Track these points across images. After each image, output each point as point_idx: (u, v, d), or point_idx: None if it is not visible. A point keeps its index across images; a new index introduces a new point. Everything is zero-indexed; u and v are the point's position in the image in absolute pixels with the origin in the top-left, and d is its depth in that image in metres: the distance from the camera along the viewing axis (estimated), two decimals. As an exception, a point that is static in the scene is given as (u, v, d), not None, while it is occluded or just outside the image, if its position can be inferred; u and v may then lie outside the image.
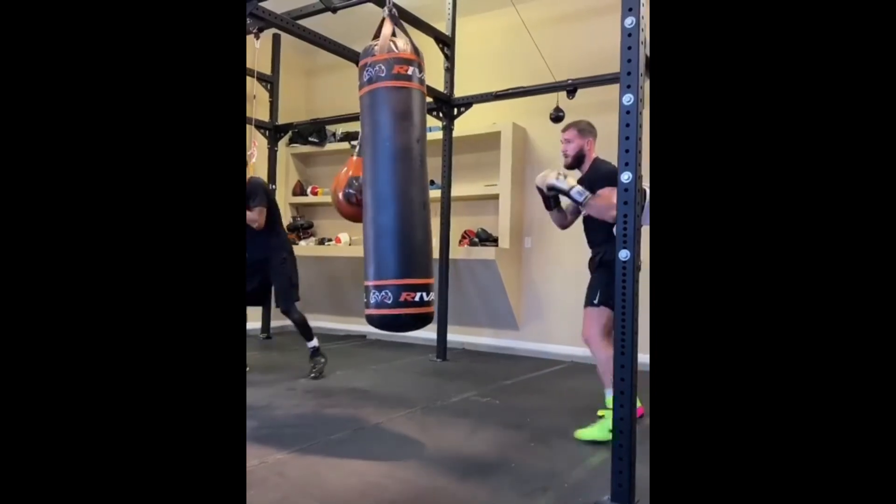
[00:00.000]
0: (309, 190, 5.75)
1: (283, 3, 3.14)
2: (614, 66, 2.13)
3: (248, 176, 3.65)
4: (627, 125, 1.77)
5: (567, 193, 2.48)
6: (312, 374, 3.58)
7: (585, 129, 2.72)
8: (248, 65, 3.63)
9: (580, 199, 2.44)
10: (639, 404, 2.58)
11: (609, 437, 2.20)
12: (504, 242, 4.55)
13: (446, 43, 4.29)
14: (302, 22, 3.44)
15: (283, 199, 5.71)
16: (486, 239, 4.68)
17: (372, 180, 2.27)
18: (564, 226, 2.88)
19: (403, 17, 3.71)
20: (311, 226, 5.82)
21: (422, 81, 2.34)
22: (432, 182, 4.99)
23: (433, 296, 2.29)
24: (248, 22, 3.08)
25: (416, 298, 2.18)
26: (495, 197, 4.62)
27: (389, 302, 2.17)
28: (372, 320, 2.25)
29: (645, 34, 1.78)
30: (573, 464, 2.15)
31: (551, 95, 4.06)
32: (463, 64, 4.49)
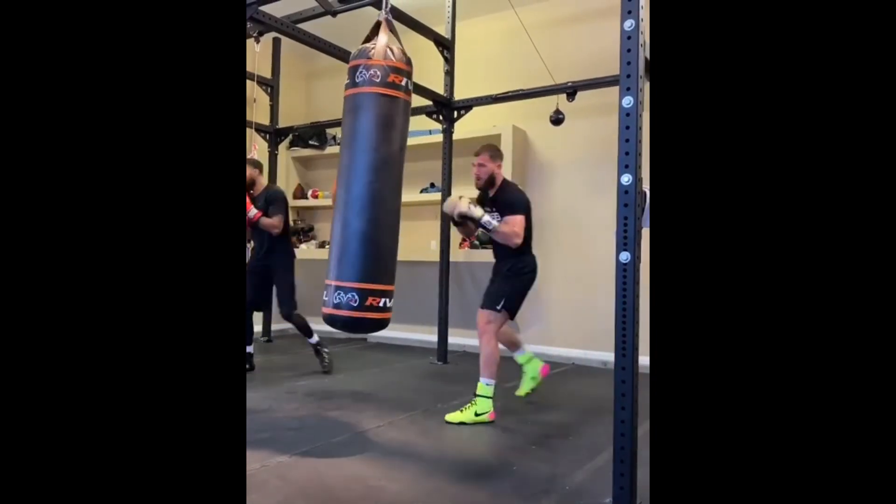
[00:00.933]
0: (309, 193, 5.75)
1: (283, 7, 3.14)
2: (614, 69, 2.13)
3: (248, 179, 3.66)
4: (627, 127, 1.77)
5: (477, 222, 2.76)
6: (324, 368, 3.84)
7: (496, 154, 2.98)
8: (249, 68, 3.64)
9: (489, 227, 2.74)
10: (541, 364, 3.05)
11: (476, 420, 2.64)
12: (504, 245, 4.55)
13: (446, 46, 4.30)
14: (302, 26, 3.44)
15: (284, 202, 5.71)
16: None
17: (351, 182, 2.28)
18: (470, 235, 3.23)
19: (403, 20, 3.72)
20: (311, 229, 5.83)
21: (409, 92, 2.36)
22: (432, 185, 5.01)
23: (392, 303, 2.35)
24: (249, 26, 3.08)
25: (381, 304, 2.24)
26: (496, 199, 4.61)
27: (355, 304, 2.20)
28: (333, 320, 2.26)
29: (644, 37, 1.79)
30: (574, 466, 2.15)
31: (551, 98, 4.06)
32: (463, 67, 4.50)
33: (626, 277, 1.78)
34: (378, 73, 2.23)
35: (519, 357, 3.16)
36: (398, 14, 3.65)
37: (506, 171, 4.56)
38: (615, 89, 1.86)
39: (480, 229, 2.93)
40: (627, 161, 1.77)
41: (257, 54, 3.56)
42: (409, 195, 5.06)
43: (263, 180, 3.89)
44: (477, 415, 2.62)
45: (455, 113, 4.36)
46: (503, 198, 2.89)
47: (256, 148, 3.74)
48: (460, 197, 2.85)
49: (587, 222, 4.45)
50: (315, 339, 3.85)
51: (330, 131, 5.52)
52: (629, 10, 1.77)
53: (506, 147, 4.58)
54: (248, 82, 3.87)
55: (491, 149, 2.96)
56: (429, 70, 4.37)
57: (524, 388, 3.15)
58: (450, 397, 3.19)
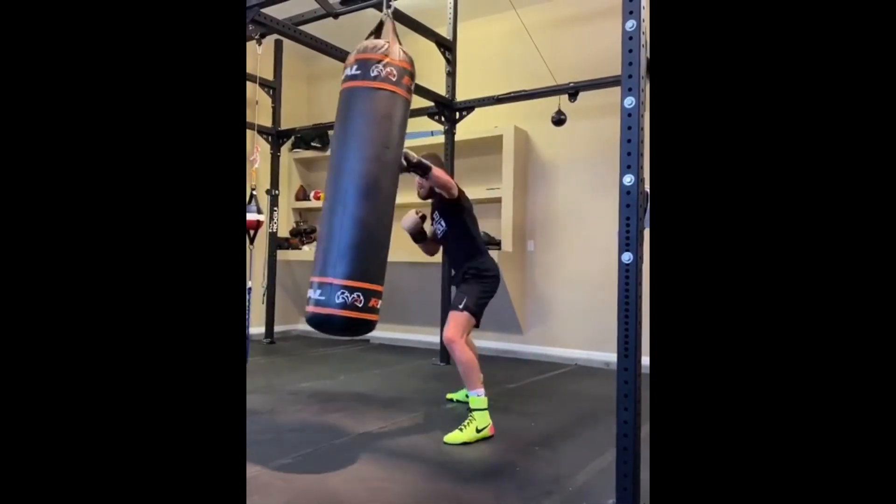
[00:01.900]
0: (311, 195, 5.76)
1: (284, 9, 3.15)
2: (615, 69, 2.13)
3: (251, 182, 3.66)
4: (629, 128, 1.77)
5: (420, 164, 2.57)
6: None
7: (437, 161, 2.91)
8: (251, 71, 3.64)
9: (427, 167, 2.58)
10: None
11: (478, 436, 2.47)
12: (507, 246, 4.55)
13: (448, 47, 4.30)
14: (304, 28, 3.45)
15: (286, 203, 5.72)
16: (489, 242, 4.68)
17: (358, 173, 2.16)
18: (432, 253, 3.17)
19: (404, 22, 3.73)
20: (313, 230, 5.83)
21: (411, 91, 2.33)
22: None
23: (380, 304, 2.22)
24: (251, 28, 3.09)
25: (379, 305, 2.16)
26: (497, 200, 4.62)
27: (360, 305, 2.07)
28: (333, 321, 2.08)
29: (646, 37, 1.79)
30: (577, 467, 2.14)
31: (553, 98, 4.06)
32: (464, 68, 4.50)
33: (628, 278, 1.77)
34: (395, 71, 2.20)
35: None
36: (400, 15, 3.66)
37: (507, 172, 4.59)
38: (617, 90, 1.86)
39: (436, 225, 2.93)
40: (629, 161, 1.77)
41: (259, 56, 3.56)
42: (410, 197, 5.06)
43: None
44: (478, 430, 2.49)
45: (457, 114, 4.36)
46: (441, 199, 2.88)
47: (259, 150, 3.74)
48: (416, 212, 2.94)
49: (589, 223, 4.44)
50: None
51: (332, 133, 5.52)
52: (631, 10, 1.77)
53: (508, 148, 4.59)
54: (250, 84, 3.87)
55: (432, 157, 2.88)
56: (430, 71, 4.37)
57: (458, 395, 3.11)
58: (452, 399, 3.19)
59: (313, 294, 2.12)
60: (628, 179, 1.77)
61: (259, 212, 3.63)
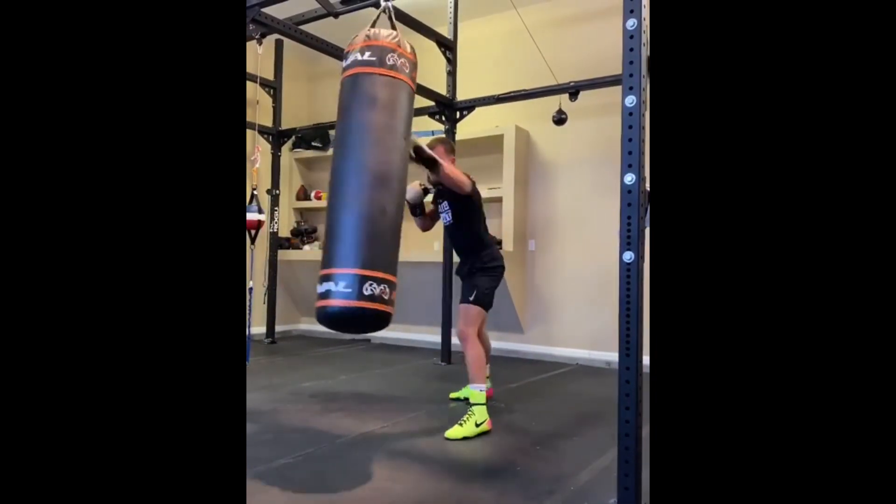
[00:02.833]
0: (312, 194, 5.76)
1: (285, 9, 3.15)
2: (616, 68, 2.13)
3: (251, 182, 3.66)
4: (630, 127, 1.77)
5: (430, 157, 2.55)
6: None
7: (449, 148, 2.92)
8: (251, 70, 3.65)
9: (438, 162, 2.57)
10: (489, 384, 2.95)
11: (477, 430, 2.50)
12: (508, 245, 4.55)
13: (448, 46, 4.30)
14: (304, 27, 3.44)
15: (287, 203, 5.72)
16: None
17: (370, 159, 2.03)
18: (426, 229, 3.12)
19: (405, 21, 3.73)
20: (314, 230, 5.83)
21: (414, 80, 2.25)
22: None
23: (394, 295, 2.05)
24: (251, 28, 3.09)
25: (377, 293, 1.93)
26: (498, 200, 4.62)
27: (386, 298, 1.93)
28: (365, 314, 1.90)
29: (647, 36, 1.78)
30: (579, 467, 2.14)
31: (554, 98, 4.06)
32: (465, 67, 4.50)
33: (629, 277, 1.77)
34: (399, 58, 2.12)
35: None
36: (400, 15, 3.65)
37: (508, 171, 4.60)
38: (618, 89, 1.86)
39: (442, 213, 2.93)
40: (630, 160, 1.77)
41: (260, 56, 3.56)
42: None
43: None
44: (477, 425, 2.52)
45: (458, 113, 4.36)
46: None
47: (259, 150, 3.74)
48: (420, 184, 2.83)
49: (590, 222, 4.44)
50: None
51: (332, 132, 5.52)
52: (631, 9, 1.76)
53: (508, 147, 4.59)
54: (251, 84, 3.87)
55: (445, 143, 2.90)
56: (431, 71, 4.37)
57: (461, 393, 3.13)
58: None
59: (334, 287, 1.90)
60: (629, 178, 1.77)
61: (260, 212, 3.64)
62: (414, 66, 2.21)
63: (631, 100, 1.76)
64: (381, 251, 1.97)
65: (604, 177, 4.30)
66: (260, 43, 3.31)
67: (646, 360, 1.77)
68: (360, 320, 1.94)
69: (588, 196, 4.47)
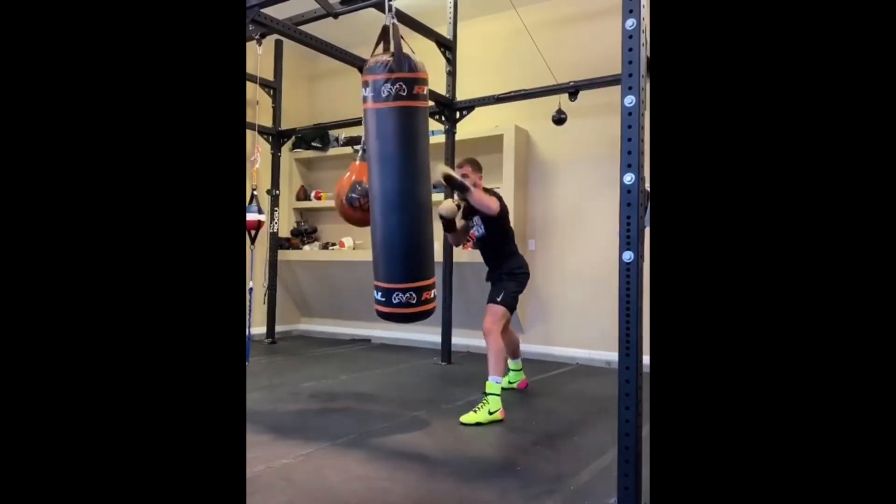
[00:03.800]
0: (312, 195, 5.76)
1: (284, 9, 3.15)
2: (616, 68, 2.12)
3: (251, 182, 3.66)
4: (629, 126, 1.77)
5: (459, 182, 2.87)
6: None
7: (477, 167, 3.18)
8: (251, 71, 3.64)
9: (468, 188, 2.89)
10: (523, 377, 3.36)
11: (490, 419, 2.70)
12: (508, 245, 4.54)
13: (448, 47, 4.30)
14: (304, 28, 3.45)
15: (287, 204, 5.72)
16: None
17: (406, 190, 2.39)
18: (458, 243, 3.52)
19: (404, 21, 3.72)
20: (314, 230, 5.83)
21: (425, 97, 2.47)
22: (435, 186, 5.01)
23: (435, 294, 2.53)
24: (251, 28, 3.09)
25: (432, 296, 2.49)
26: (498, 200, 4.61)
27: (414, 302, 2.40)
28: (422, 315, 2.46)
29: (646, 35, 1.78)
30: (579, 466, 2.14)
31: (553, 98, 4.06)
32: (465, 67, 4.50)
33: (629, 277, 1.77)
34: (404, 86, 2.32)
35: (511, 364, 3.40)
36: (400, 15, 3.65)
37: (508, 171, 4.60)
38: (617, 88, 1.86)
39: (475, 227, 3.20)
40: (630, 160, 1.77)
41: (259, 57, 3.56)
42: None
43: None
44: (490, 413, 2.70)
45: (457, 113, 4.36)
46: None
47: (259, 150, 3.74)
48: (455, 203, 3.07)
49: (590, 222, 4.44)
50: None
51: (332, 132, 5.53)
52: (630, 9, 1.76)
53: (508, 147, 4.59)
54: (251, 85, 3.87)
55: (473, 162, 3.18)
56: (431, 71, 4.34)
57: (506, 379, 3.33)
58: (454, 398, 3.19)
59: (407, 298, 2.43)
60: (629, 178, 1.77)
61: (260, 212, 3.64)
62: (414, 82, 2.39)
63: (630, 100, 1.76)
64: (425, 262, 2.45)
65: (603, 176, 4.30)
66: (259, 43, 3.32)
67: (646, 360, 1.77)
68: (403, 317, 2.47)
69: (588, 196, 4.47)
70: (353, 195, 2.79)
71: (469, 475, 2.05)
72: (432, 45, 4.23)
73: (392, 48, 2.36)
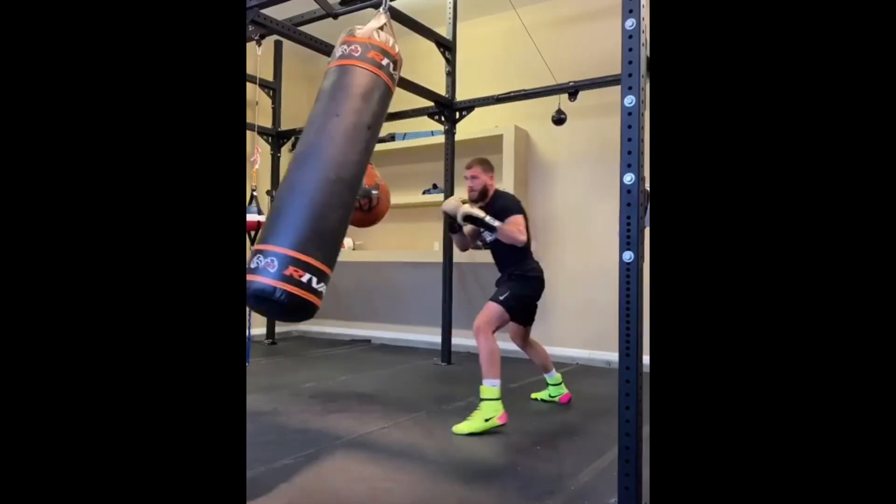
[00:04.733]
0: (312, 195, 5.75)
1: (284, 10, 3.15)
2: (615, 68, 2.13)
3: (251, 182, 3.66)
4: (629, 127, 1.77)
5: (483, 221, 2.74)
6: None
7: (487, 166, 2.98)
8: (251, 71, 3.64)
9: (494, 226, 2.73)
10: (565, 390, 3.10)
11: (486, 426, 2.51)
12: (507, 245, 4.54)
13: (447, 47, 4.30)
14: (303, 28, 3.45)
15: (287, 204, 5.71)
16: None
17: (317, 147, 2.10)
18: (466, 248, 3.17)
19: (404, 22, 3.73)
20: (314, 231, 5.82)
21: (391, 76, 2.32)
22: (435, 186, 5.01)
23: (323, 287, 2.00)
24: (250, 29, 3.09)
25: (304, 279, 1.90)
26: (498, 200, 4.61)
27: (272, 271, 1.86)
28: (279, 296, 1.89)
29: (646, 36, 1.78)
30: (579, 467, 2.14)
31: (553, 98, 4.06)
32: (464, 68, 4.50)
33: (629, 277, 1.77)
34: (359, 48, 2.24)
35: (549, 379, 3.17)
36: (400, 16, 3.66)
37: (508, 172, 4.60)
38: (617, 89, 1.86)
39: (485, 232, 2.90)
40: (630, 160, 1.77)
41: (259, 57, 3.56)
42: (411, 196, 5.08)
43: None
44: (486, 420, 2.53)
45: (457, 114, 4.36)
46: (498, 205, 2.88)
47: (259, 151, 3.74)
48: (463, 201, 2.84)
49: (590, 222, 4.44)
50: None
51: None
52: (630, 9, 1.77)
53: (508, 147, 4.59)
54: (250, 85, 3.87)
55: (483, 162, 2.98)
56: (430, 71, 4.37)
57: (540, 395, 3.22)
58: (454, 399, 3.19)
59: (265, 264, 1.89)
60: (629, 178, 1.77)
61: (260, 212, 3.64)
62: (369, 47, 2.26)
63: (630, 100, 1.76)
64: (317, 236, 1.97)
65: (603, 177, 4.30)
66: (259, 44, 3.32)
67: (646, 360, 1.77)
68: (275, 304, 1.89)
69: (588, 196, 4.47)
70: (353, 195, 2.78)
71: (469, 476, 2.05)
72: (432, 46, 4.23)
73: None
